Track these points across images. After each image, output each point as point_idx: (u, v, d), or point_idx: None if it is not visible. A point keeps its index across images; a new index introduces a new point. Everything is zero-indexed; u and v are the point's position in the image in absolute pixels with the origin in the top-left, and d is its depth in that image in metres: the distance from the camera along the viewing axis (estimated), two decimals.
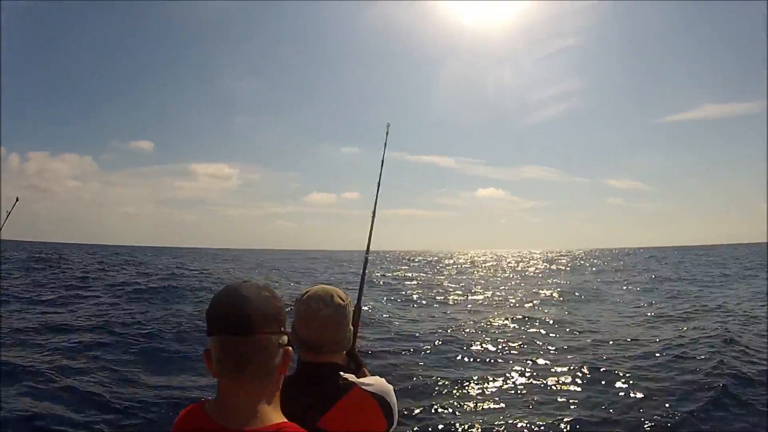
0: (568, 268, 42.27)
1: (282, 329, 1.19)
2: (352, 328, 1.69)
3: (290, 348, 1.21)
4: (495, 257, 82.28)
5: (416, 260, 65.31)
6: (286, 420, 1.15)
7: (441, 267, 47.90)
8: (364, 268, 2.34)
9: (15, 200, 3.62)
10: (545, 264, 51.80)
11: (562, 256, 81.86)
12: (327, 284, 1.74)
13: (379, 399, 1.52)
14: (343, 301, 1.64)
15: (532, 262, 56.75)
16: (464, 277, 33.00)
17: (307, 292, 1.66)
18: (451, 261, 64.04)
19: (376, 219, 2.52)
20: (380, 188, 2.63)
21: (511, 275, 35.48)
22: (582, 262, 56.65)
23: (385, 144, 2.79)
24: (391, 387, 1.59)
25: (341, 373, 1.55)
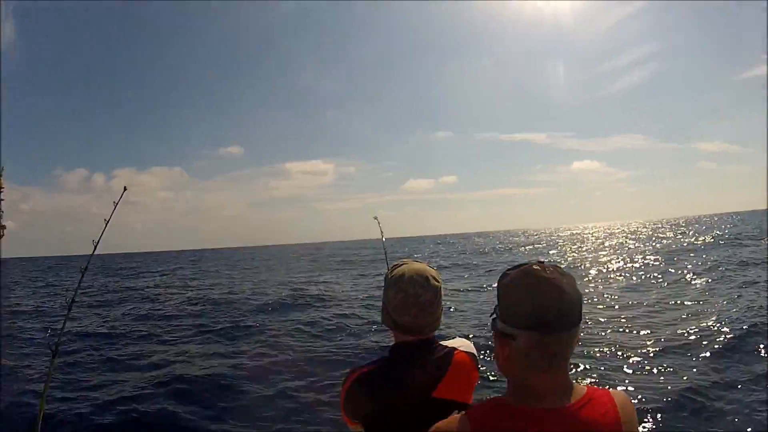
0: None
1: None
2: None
3: None
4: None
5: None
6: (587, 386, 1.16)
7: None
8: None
9: (123, 189, 3.17)
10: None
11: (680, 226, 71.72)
12: (414, 261, 1.67)
13: (472, 356, 1.63)
14: (438, 281, 1.61)
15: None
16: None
17: (401, 274, 1.59)
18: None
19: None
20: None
21: None
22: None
23: (381, 230, 3.36)
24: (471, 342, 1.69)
25: (439, 342, 1.61)
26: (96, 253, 2.76)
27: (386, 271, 1.67)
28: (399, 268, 1.61)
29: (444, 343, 1.62)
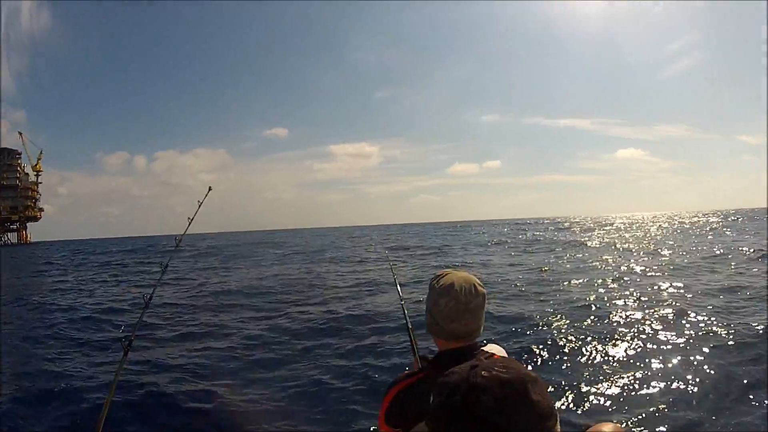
0: None
1: None
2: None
3: None
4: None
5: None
6: None
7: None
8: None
9: (208, 189, 3.65)
10: None
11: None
12: (456, 270, 1.68)
13: None
14: (483, 288, 1.62)
15: None
16: None
17: (450, 282, 1.60)
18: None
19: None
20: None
21: None
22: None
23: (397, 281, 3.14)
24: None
25: (480, 348, 1.61)
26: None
27: (431, 280, 1.68)
28: (445, 278, 1.63)
29: (488, 348, 1.65)
